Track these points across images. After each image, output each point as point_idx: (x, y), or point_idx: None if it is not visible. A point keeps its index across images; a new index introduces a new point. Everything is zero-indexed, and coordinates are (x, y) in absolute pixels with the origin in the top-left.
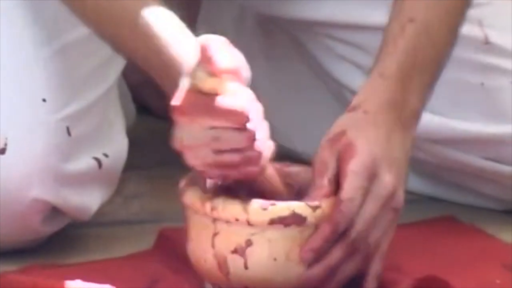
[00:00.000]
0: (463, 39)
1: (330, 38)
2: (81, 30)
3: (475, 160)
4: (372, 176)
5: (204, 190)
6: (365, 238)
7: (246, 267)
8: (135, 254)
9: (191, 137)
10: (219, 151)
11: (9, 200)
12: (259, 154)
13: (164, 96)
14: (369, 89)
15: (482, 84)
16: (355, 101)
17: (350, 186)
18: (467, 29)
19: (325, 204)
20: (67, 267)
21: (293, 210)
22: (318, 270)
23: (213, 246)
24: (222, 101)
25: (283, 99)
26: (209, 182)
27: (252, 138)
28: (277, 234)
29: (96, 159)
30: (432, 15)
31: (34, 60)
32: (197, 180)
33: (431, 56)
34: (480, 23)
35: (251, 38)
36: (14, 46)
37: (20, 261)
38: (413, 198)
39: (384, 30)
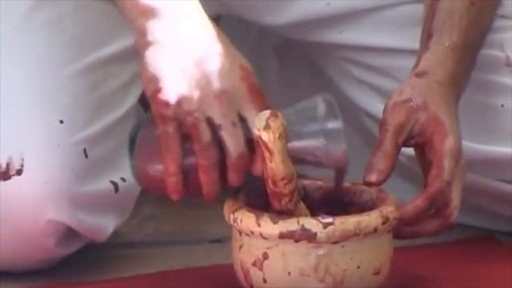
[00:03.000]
0: (485, 61)
1: (350, 62)
2: (102, 52)
3: (494, 183)
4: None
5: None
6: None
7: (264, 281)
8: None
9: None
10: None
11: (24, 221)
12: None
13: None
14: (437, 58)
15: (502, 105)
16: (422, 66)
17: (449, 168)
18: (489, 52)
19: (338, 221)
20: (83, 285)
21: (302, 225)
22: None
23: (239, 257)
24: None
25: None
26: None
27: None
28: (289, 248)
29: (113, 182)
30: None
31: (53, 81)
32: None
33: (481, 38)
34: (501, 46)
35: (267, 63)
36: (34, 66)
37: (35, 281)
38: None
39: (442, 5)
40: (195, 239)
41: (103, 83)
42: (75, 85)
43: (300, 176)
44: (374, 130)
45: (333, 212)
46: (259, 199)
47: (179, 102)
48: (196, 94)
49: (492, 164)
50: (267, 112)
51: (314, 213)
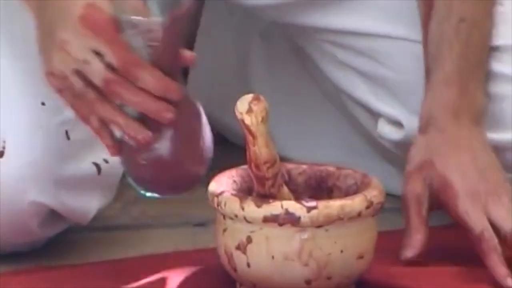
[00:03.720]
0: None
1: (333, 45)
2: None
3: None
4: (480, 204)
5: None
6: None
7: (248, 265)
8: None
9: None
10: None
11: (6, 203)
12: None
13: None
14: (435, 100)
15: (493, 93)
16: (423, 118)
17: (474, 221)
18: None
19: (322, 205)
20: (66, 268)
21: (286, 209)
22: None
23: (223, 241)
24: None
25: (283, 106)
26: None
27: None
28: (273, 232)
29: (96, 164)
30: (478, 9)
31: (35, 64)
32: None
33: (483, 48)
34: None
35: (251, 47)
36: (16, 49)
37: (18, 263)
38: None
39: (433, 32)
40: (179, 222)
41: None
42: None
43: (284, 160)
44: (358, 114)
45: (317, 197)
46: (245, 183)
47: (52, 73)
48: (55, 59)
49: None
50: (249, 96)
51: (298, 197)
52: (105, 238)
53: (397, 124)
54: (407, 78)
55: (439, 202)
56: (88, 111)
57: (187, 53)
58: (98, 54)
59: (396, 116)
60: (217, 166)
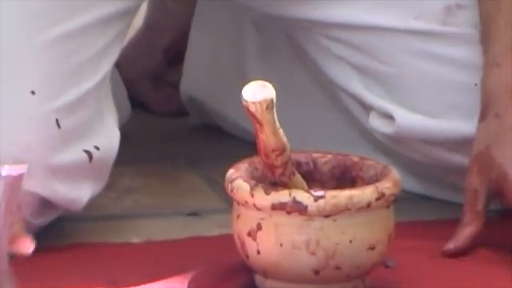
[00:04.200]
0: (459, 39)
1: (327, 38)
2: (73, 22)
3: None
4: None
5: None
6: None
7: (258, 252)
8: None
9: None
10: None
11: None
12: None
13: (161, 92)
14: (489, 83)
15: (476, 84)
16: (482, 103)
17: None
18: (463, 30)
19: (329, 195)
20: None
21: (294, 197)
22: None
23: (237, 227)
24: None
25: (277, 96)
26: None
27: None
28: (282, 220)
29: (87, 151)
30: None
31: (24, 51)
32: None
33: None
34: (476, 25)
35: (246, 38)
36: (5, 37)
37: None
38: (407, 197)
39: (481, 9)
40: (173, 212)
41: (75, 53)
42: (46, 56)
43: (310, 150)
44: (352, 107)
45: (341, 186)
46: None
47: None
48: None
49: (467, 144)
50: (255, 83)
51: (323, 187)
52: (98, 227)
53: (389, 117)
54: (399, 72)
55: (497, 194)
56: None
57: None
58: None
59: (388, 109)
60: (214, 156)
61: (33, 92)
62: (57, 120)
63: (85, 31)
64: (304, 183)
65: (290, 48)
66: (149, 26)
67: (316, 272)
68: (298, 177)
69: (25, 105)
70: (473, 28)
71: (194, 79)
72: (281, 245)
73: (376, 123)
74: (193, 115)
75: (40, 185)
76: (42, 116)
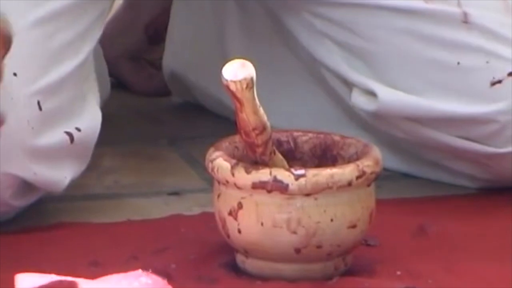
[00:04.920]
0: (441, 17)
1: (311, 14)
2: (55, 4)
3: (450, 139)
4: None
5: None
6: None
7: (239, 231)
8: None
9: None
10: None
11: None
12: None
13: (141, 71)
14: None
15: (459, 63)
16: None
17: None
18: (445, 7)
19: (310, 174)
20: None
21: (274, 176)
22: None
23: (218, 206)
24: None
25: (259, 74)
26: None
27: None
28: (262, 199)
29: (68, 133)
30: None
31: None
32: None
33: None
34: (458, 2)
35: (228, 14)
36: None
37: None
38: (388, 175)
39: None
40: (153, 191)
41: (56, 34)
42: (28, 37)
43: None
44: (334, 85)
45: (322, 165)
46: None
47: None
48: None
49: (447, 121)
50: (235, 62)
51: (303, 165)
52: (79, 207)
53: (371, 94)
54: (382, 49)
55: None
56: None
57: None
58: None
59: (370, 86)
60: (195, 136)
61: (15, 74)
62: (38, 102)
63: (67, 11)
64: (285, 162)
65: (273, 25)
66: (130, 2)
67: (297, 250)
68: (279, 156)
69: (8, 87)
70: (456, 7)
71: (176, 54)
72: (262, 224)
73: (358, 100)
74: (174, 92)
75: (20, 168)
76: (24, 98)
